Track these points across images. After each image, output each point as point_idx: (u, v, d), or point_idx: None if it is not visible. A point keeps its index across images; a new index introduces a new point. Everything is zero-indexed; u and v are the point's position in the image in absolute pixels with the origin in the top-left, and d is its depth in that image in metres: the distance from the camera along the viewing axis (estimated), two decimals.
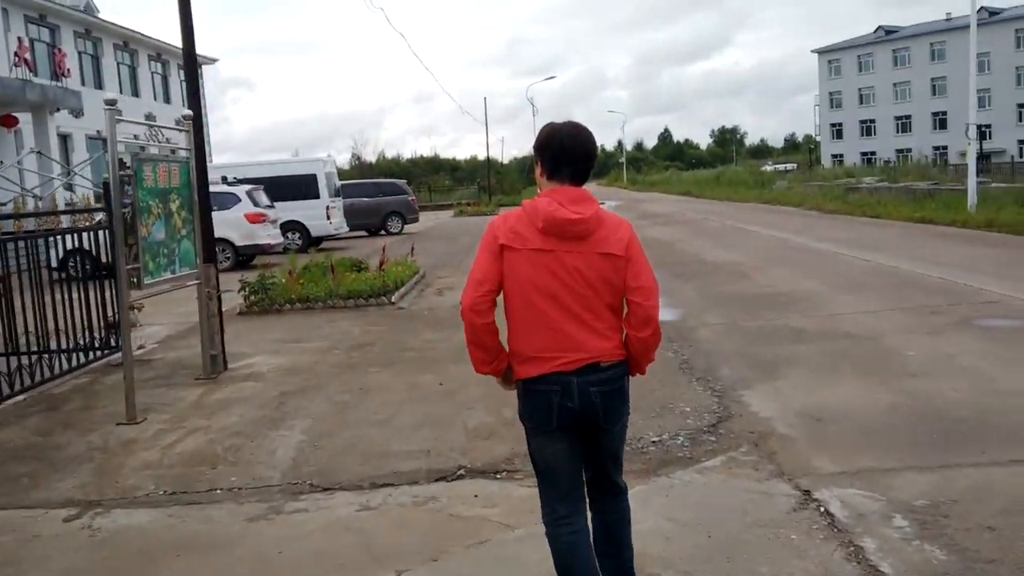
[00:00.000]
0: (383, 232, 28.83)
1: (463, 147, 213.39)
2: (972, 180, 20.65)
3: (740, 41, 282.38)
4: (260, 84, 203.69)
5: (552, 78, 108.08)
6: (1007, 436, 5.13)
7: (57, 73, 27.11)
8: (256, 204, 19.01)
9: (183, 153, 7.98)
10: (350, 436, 5.79)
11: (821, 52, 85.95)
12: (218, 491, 4.98)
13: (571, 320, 2.86)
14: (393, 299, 11.77)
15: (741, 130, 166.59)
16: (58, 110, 26.04)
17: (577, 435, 2.98)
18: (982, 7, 72.47)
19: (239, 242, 18.71)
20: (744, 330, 8.81)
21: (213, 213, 18.44)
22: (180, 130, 7.97)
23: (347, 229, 24.80)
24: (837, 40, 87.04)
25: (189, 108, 8.04)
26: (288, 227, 22.57)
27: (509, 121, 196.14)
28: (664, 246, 18.59)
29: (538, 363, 2.89)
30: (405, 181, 33.75)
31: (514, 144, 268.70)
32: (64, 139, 32.53)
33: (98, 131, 35.14)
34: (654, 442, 5.40)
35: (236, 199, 18.80)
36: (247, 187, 19.25)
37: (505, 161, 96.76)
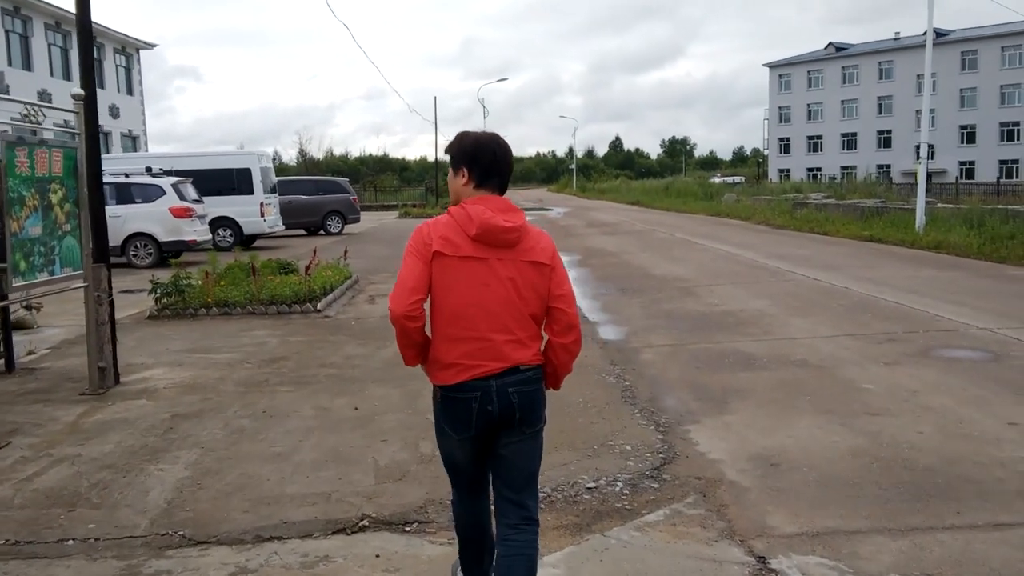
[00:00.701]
0: (322, 232, 27.86)
1: (414, 147, 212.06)
2: (921, 200, 20.48)
3: (693, 53, 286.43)
4: (208, 74, 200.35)
5: (504, 79, 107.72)
6: (984, 493, 4.56)
7: None
8: (182, 197, 17.98)
9: (69, 137, 7.07)
10: (240, 473, 5.00)
11: (772, 66, 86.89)
12: (70, 541, 4.16)
13: (496, 329, 2.90)
14: (319, 307, 10.94)
15: (691, 141, 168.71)
16: None
17: (490, 441, 3.02)
18: None
19: (163, 237, 17.67)
20: (692, 354, 8.21)
21: (135, 206, 17.74)
22: (69, 111, 7.07)
23: (282, 228, 23.80)
24: (787, 56, 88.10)
25: (82, 86, 7.15)
26: (219, 223, 21.56)
27: (461, 122, 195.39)
28: (610, 257, 18.01)
29: (459, 370, 2.90)
30: (347, 179, 32.78)
31: None
32: None
33: (23, 114, 33.50)
34: (590, 488, 4.72)
35: (160, 191, 17.76)
36: (173, 179, 18.20)
37: None
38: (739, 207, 34.44)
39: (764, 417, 6.03)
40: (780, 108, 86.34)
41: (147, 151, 41.66)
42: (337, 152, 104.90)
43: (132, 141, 42.68)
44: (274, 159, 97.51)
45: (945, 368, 7.34)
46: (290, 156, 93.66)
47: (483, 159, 2.98)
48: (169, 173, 19.25)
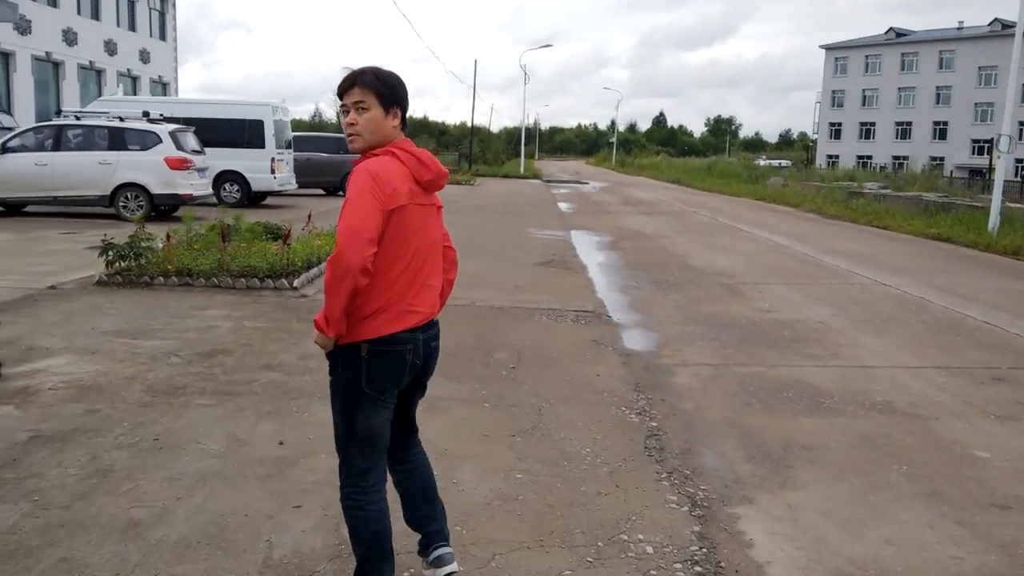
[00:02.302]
0: (341, 193, 26.23)
1: (455, 112, 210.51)
2: (997, 198, 18.32)
3: (745, 32, 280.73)
4: (257, 29, 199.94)
5: (548, 46, 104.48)
6: None
7: None
8: (180, 147, 16.31)
9: None
10: (61, 560, 3.32)
11: (829, 48, 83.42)
12: None
13: (430, 275, 2.86)
14: (296, 284, 9.28)
15: (736, 121, 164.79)
16: None
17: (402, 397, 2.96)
18: (995, 19, 70.32)
19: (155, 189, 16.05)
20: (739, 380, 6.43)
21: (128, 153, 16.12)
22: None
23: (295, 185, 22.09)
24: (843, 39, 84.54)
25: None
26: (225, 177, 20.03)
27: (505, 90, 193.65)
28: (645, 241, 16.16)
29: (397, 320, 2.73)
30: None
31: (506, 114, 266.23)
32: (5, 57, 29.56)
33: (47, 52, 32.09)
34: None
35: (156, 139, 16.11)
36: (172, 127, 16.54)
37: (495, 130, 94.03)
38: (787, 192, 32.24)
39: (845, 498, 4.26)
40: (834, 92, 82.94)
41: (177, 96, 40.36)
42: None
43: (162, 87, 41.30)
44: (315, 116, 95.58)
45: None
46: (331, 115, 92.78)
47: (408, 103, 2.89)
48: (174, 120, 17.69)
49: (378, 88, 2.76)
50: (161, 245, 9.59)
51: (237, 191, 20.29)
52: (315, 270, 9.98)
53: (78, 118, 16.68)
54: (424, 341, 2.83)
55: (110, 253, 9.23)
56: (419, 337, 2.80)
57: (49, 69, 32.57)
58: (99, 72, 35.59)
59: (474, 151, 55.26)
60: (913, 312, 9.38)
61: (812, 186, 33.71)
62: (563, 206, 26.00)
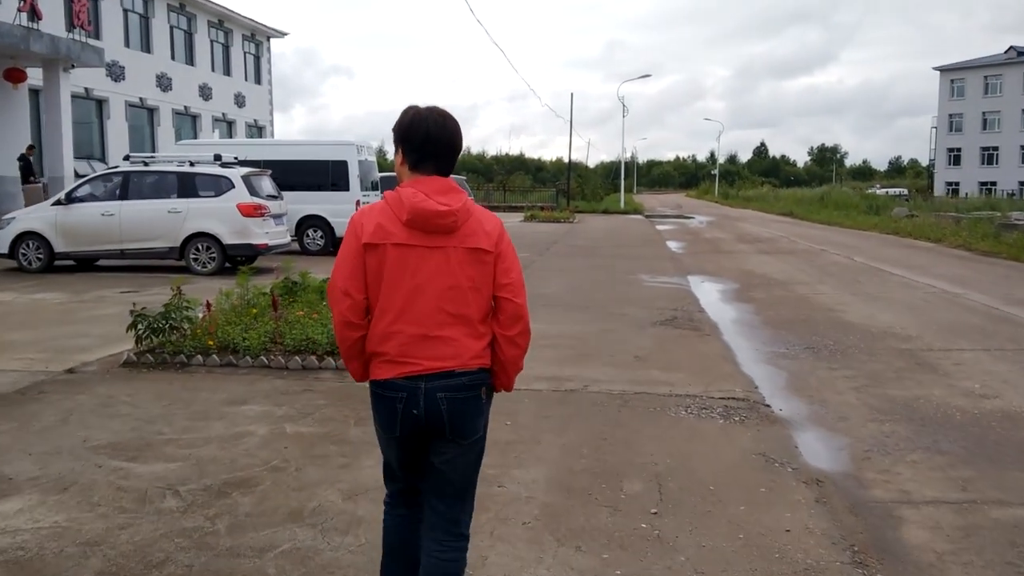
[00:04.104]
0: None
1: (552, 148, 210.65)
2: None
3: (846, 59, 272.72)
4: (359, 72, 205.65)
5: (647, 76, 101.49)
6: None
7: (75, 24, 23.40)
8: (254, 192, 14.84)
9: None
10: None
11: (944, 70, 78.66)
12: None
13: (432, 324, 2.63)
14: None
15: (842, 149, 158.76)
16: (72, 67, 22.48)
17: (425, 447, 2.74)
18: None
19: (227, 240, 14.60)
20: (1008, 536, 4.14)
21: (199, 200, 14.58)
22: None
23: None
24: (956, 60, 79.55)
25: None
26: (308, 223, 18.59)
27: (601, 125, 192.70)
28: (779, 289, 13.77)
29: (391, 366, 2.64)
30: (464, 177, 29.52)
31: (603, 149, 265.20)
32: (100, 104, 29.34)
33: (141, 98, 31.84)
34: None
35: (228, 184, 14.67)
36: (245, 171, 15.10)
37: (591, 165, 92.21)
38: (922, 225, 29.02)
39: None
40: (951, 116, 78.09)
41: (274, 137, 39.95)
42: (474, 151, 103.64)
43: (258, 131, 41.07)
44: None
45: None
46: None
47: (416, 139, 2.70)
48: (253, 163, 16.37)
49: (393, 128, 2.75)
50: (201, 315, 7.88)
51: (321, 238, 18.83)
52: None
53: (146, 163, 15.41)
54: (427, 391, 2.61)
55: (140, 326, 7.57)
56: (419, 387, 2.61)
57: (144, 115, 32.37)
58: (194, 117, 35.37)
59: (571, 186, 53.32)
60: None
61: (947, 217, 30.45)
62: (673, 245, 23.75)
